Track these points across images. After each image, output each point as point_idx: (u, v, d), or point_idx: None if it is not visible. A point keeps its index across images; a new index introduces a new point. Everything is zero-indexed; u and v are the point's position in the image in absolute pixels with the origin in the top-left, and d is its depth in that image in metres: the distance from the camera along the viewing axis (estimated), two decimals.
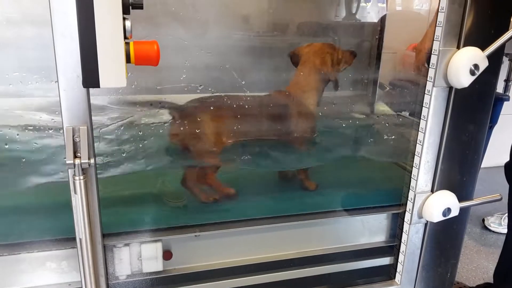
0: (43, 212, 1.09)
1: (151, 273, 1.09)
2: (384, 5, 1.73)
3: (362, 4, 1.73)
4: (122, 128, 1.23)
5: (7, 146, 1.11)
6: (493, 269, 1.79)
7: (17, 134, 1.12)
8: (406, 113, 1.48)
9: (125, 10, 0.76)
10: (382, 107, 1.65)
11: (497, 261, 1.77)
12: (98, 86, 0.77)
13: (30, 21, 1.15)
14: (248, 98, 1.34)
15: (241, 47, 1.46)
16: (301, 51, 1.39)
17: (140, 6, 0.79)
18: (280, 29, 1.58)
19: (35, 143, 1.11)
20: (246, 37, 1.49)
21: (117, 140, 1.20)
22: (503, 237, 1.84)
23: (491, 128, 2.42)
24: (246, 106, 1.32)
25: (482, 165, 2.61)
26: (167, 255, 1.09)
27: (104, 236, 0.97)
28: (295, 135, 1.38)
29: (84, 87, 0.79)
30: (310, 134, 1.41)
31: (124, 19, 0.77)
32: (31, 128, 1.11)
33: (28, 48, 1.14)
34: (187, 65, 1.24)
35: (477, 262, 2.08)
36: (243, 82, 1.32)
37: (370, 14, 1.74)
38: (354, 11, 1.73)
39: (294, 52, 1.41)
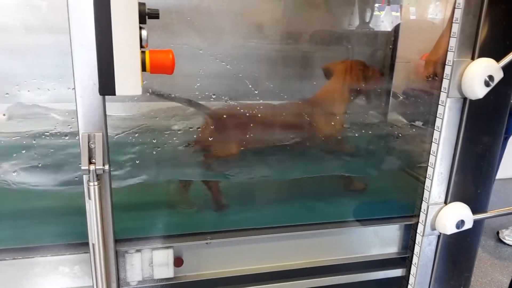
0: (57, 216, 1.10)
1: (162, 280, 1.10)
2: (398, 14, 1.73)
3: (376, 13, 1.73)
4: (136, 135, 1.24)
5: (24, 152, 1.14)
6: (508, 283, 1.76)
7: (34, 140, 1.14)
8: (420, 123, 1.48)
9: (142, 20, 0.78)
10: (395, 117, 1.65)
11: None
12: (114, 94, 0.78)
13: (48, 28, 1.18)
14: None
15: (255, 55, 1.47)
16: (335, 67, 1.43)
17: (156, 16, 0.81)
18: (294, 37, 1.59)
19: (51, 149, 1.13)
20: (260, 46, 1.50)
21: (131, 147, 1.21)
22: None
23: (506, 139, 2.39)
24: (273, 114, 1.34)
25: (497, 176, 2.58)
26: (178, 262, 1.10)
27: (116, 241, 0.98)
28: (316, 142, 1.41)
29: (100, 94, 0.80)
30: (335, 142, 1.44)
31: (140, 28, 0.78)
32: (48, 134, 1.13)
33: (45, 55, 1.17)
34: (201, 73, 1.26)
35: (491, 275, 2.05)
36: (256, 91, 1.33)
37: (384, 23, 1.73)
38: (367, 20, 1.73)
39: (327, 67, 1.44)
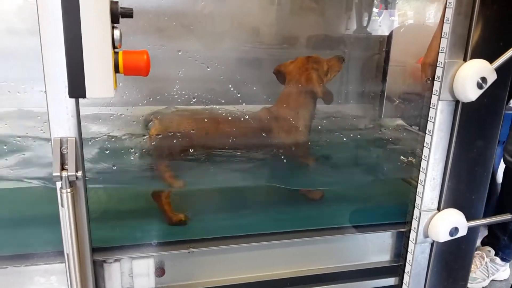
0: (32, 224, 1.07)
1: None
2: (395, 18, 1.71)
3: (374, 17, 1.71)
4: (114, 140, 1.21)
5: None
6: None
7: (5, 146, 1.11)
8: (415, 127, 1.45)
9: (114, 19, 0.75)
10: (389, 120, 1.62)
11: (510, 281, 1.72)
12: (85, 96, 0.75)
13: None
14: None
15: (249, 59, 1.44)
16: (285, 68, 1.35)
17: (129, 15, 0.78)
18: (290, 42, 1.57)
19: (23, 153, 1.09)
20: (255, 50, 1.47)
21: (112, 152, 1.17)
22: None
23: (503, 143, 2.35)
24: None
25: (499, 181, 2.53)
26: (159, 271, 1.06)
27: (94, 250, 0.95)
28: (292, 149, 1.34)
29: (70, 97, 0.76)
30: (304, 149, 1.37)
31: (113, 28, 0.75)
32: (19, 138, 1.10)
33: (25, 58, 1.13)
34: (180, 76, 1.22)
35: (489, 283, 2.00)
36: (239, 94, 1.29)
37: (381, 27, 1.71)
38: (365, 24, 1.71)
39: (278, 70, 1.36)
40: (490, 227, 1.98)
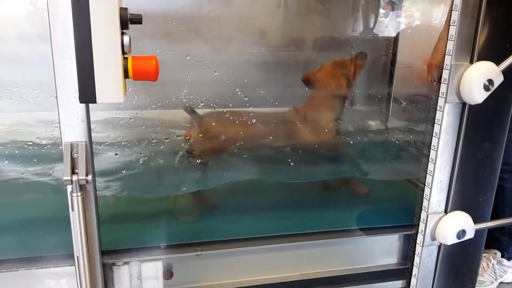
0: (43, 228, 1.08)
1: None
2: (403, 19, 1.70)
3: (380, 18, 1.70)
4: (125, 144, 1.21)
5: (6, 162, 1.12)
6: None
7: (17, 151, 1.12)
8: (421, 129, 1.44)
9: (123, 25, 0.76)
10: (395, 122, 1.61)
11: None
12: (95, 102, 0.76)
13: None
14: None
15: (257, 62, 1.45)
16: (314, 76, 1.37)
17: (138, 21, 0.79)
18: (296, 44, 1.57)
19: (34, 159, 1.11)
20: (261, 52, 1.48)
21: (121, 156, 1.18)
22: None
23: None
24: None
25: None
26: (168, 274, 1.07)
27: (103, 253, 0.96)
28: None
29: (80, 102, 0.78)
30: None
31: (122, 34, 0.76)
32: (30, 143, 1.11)
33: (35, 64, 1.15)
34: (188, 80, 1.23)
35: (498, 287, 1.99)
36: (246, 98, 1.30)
37: (388, 28, 1.71)
38: (371, 26, 1.70)
39: (307, 78, 1.38)
40: (488, 231, 1.97)
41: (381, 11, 1.74)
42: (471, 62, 0.99)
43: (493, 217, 1.16)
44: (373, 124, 1.58)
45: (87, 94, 0.75)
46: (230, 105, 1.29)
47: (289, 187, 1.36)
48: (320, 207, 1.34)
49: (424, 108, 1.44)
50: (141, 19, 0.79)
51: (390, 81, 1.61)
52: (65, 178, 0.82)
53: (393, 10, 1.78)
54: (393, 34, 1.65)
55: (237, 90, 1.27)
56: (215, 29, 1.32)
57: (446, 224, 1.09)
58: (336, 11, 1.65)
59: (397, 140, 1.49)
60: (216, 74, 1.24)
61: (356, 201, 1.39)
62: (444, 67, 1.01)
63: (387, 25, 1.72)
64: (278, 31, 1.53)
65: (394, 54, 1.61)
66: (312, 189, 1.38)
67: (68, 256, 1.01)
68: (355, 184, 1.41)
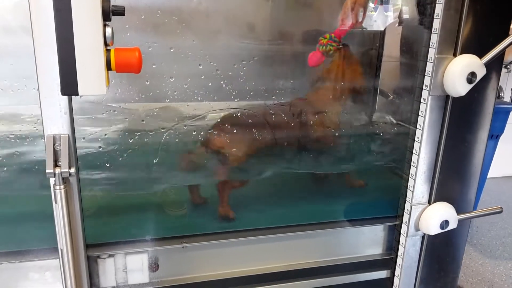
0: (27, 221, 1.07)
1: (136, 285, 1.07)
2: (391, 13, 1.71)
3: (369, 12, 1.70)
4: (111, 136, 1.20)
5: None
6: (499, 282, 1.74)
7: None
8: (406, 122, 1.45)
9: (106, 17, 0.75)
10: (381, 115, 1.62)
11: (503, 274, 1.73)
12: (77, 94, 0.76)
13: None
14: None
15: (242, 55, 1.44)
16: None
17: (121, 13, 0.78)
18: (284, 37, 1.56)
19: (17, 151, 1.10)
20: (247, 46, 1.47)
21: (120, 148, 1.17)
22: (510, 249, 1.81)
23: (497, 137, 2.37)
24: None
25: (489, 175, 2.56)
26: (153, 266, 1.07)
27: (88, 246, 0.95)
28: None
29: (62, 94, 0.77)
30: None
31: (105, 25, 0.75)
32: (13, 136, 1.10)
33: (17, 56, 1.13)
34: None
35: (482, 275, 2.03)
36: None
37: (376, 22, 1.71)
38: (360, 20, 1.70)
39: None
40: None
41: (370, 5, 1.74)
42: (455, 55, 1.00)
43: None
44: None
45: (69, 86, 0.75)
46: (215, 97, 1.28)
47: (272, 180, 1.36)
48: (307, 199, 1.35)
49: (408, 101, 1.45)
50: (124, 10, 0.78)
51: (376, 74, 1.62)
52: (47, 170, 0.81)
53: (381, 4, 1.78)
54: (382, 28, 1.66)
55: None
56: (201, 21, 1.31)
57: (430, 215, 1.10)
58: (324, 4, 1.64)
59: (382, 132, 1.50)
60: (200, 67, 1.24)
61: (343, 192, 1.40)
62: (428, 60, 1.02)
63: (376, 19, 1.72)
64: (266, 24, 1.53)
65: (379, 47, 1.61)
66: (300, 181, 1.39)
67: (53, 249, 1.01)
68: (351, 178, 1.43)
